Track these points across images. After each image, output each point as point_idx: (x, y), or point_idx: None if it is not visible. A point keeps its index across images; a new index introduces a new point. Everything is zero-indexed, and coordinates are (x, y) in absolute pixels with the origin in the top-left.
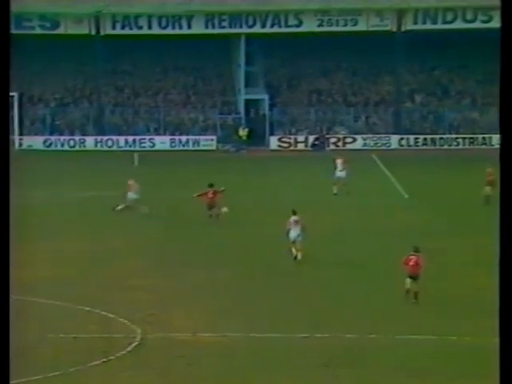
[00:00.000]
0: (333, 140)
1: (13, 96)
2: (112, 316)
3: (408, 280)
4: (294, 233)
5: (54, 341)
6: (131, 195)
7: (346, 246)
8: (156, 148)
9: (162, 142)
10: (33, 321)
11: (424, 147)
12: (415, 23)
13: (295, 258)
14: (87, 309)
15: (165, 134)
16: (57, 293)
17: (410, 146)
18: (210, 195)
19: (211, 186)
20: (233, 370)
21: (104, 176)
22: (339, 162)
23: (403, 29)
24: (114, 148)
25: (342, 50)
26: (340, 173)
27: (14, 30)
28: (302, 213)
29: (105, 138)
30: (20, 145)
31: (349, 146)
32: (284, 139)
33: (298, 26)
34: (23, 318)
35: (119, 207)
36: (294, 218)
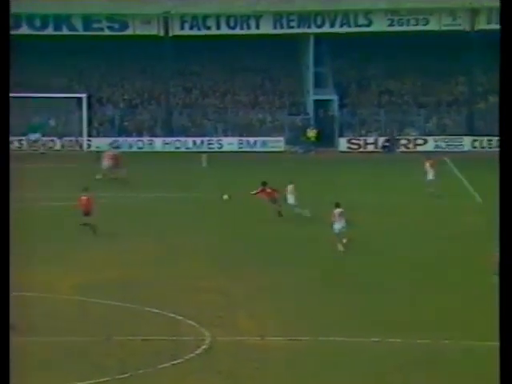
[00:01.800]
0: (403, 142)
1: (81, 97)
2: (180, 318)
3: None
4: (338, 225)
5: (122, 343)
6: (291, 199)
7: (417, 248)
8: (224, 149)
9: (230, 143)
10: (101, 323)
11: (498, 149)
12: (489, 23)
13: (340, 249)
14: (155, 310)
15: (233, 135)
16: (125, 294)
17: (483, 147)
18: (269, 190)
19: (264, 184)
20: (301, 375)
21: (172, 177)
22: (427, 164)
23: (476, 28)
24: (182, 149)
25: (413, 50)
26: (429, 175)
27: (82, 32)
28: (371, 214)
29: (173, 139)
30: (88, 146)
31: (419, 148)
32: (353, 141)
33: (367, 25)
34: (92, 320)
35: (297, 211)
36: (338, 210)
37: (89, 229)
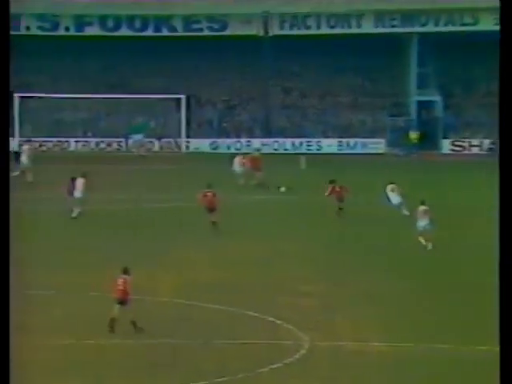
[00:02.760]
0: None
1: (180, 98)
2: (279, 322)
3: None
4: (422, 222)
5: (221, 346)
6: (395, 198)
7: None
8: (323, 151)
9: (329, 144)
10: (200, 326)
11: None
12: None
13: (426, 247)
14: (255, 314)
15: (332, 136)
16: (225, 297)
17: None
18: (337, 189)
19: (332, 182)
20: (402, 382)
21: (271, 179)
22: None
23: None
24: (281, 151)
25: None
26: None
27: (182, 32)
28: (472, 216)
29: (271, 140)
30: (187, 147)
31: None
32: (457, 143)
33: (473, 24)
34: (191, 323)
35: (404, 212)
36: (422, 208)
37: (214, 227)
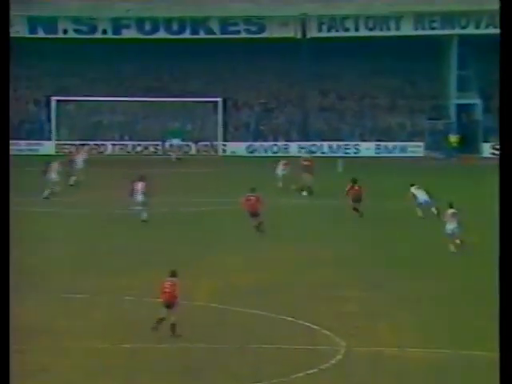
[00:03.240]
0: None
1: (217, 101)
2: (315, 327)
3: None
4: (450, 226)
5: (256, 351)
6: (422, 195)
7: None
8: (361, 154)
9: (367, 147)
10: (235, 330)
11: None
12: None
13: (452, 250)
14: (290, 319)
15: (370, 139)
16: (261, 302)
17: None
18: (356, 188)
19: (355, 181)
20: None
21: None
22: None
23: None
24: (318, 154)
25: None
26: None
27: (219, 35)
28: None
29: (308, 143)
30: (223, 151)
31: None
32: (498, 146)
33: None
34: (226, 328)
35: (436, 212)
36: (450, 210)
37: (257, 230)
